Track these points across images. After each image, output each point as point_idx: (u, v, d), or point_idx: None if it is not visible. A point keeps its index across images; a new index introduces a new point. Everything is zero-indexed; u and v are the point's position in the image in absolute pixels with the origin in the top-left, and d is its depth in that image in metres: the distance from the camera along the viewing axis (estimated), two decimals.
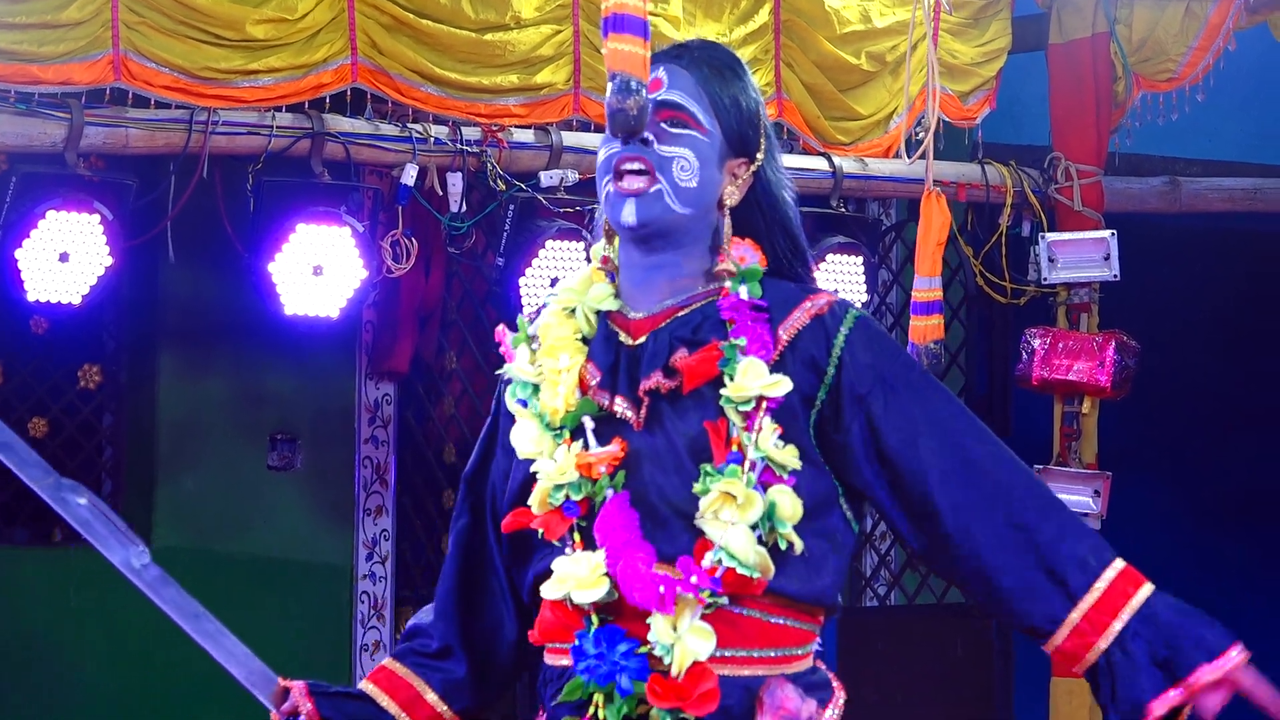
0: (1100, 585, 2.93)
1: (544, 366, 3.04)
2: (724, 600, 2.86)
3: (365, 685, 3.19)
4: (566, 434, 2.99)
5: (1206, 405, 10.08)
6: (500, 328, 3.14)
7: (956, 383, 8.68)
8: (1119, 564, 2.96)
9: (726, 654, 2.89)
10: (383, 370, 8.05)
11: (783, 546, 2.87)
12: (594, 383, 2.99)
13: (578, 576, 2.92)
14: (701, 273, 3.01)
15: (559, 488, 2.96)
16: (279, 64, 6.59)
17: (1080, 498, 7.82)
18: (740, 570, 2.84)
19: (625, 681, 2.88)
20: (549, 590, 2.95)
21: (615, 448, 2.94)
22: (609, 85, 2.96)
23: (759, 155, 3.04)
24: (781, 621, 2.91)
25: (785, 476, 2.88)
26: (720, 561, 2.85)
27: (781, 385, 2.89)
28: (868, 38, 7.60)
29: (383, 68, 6.73)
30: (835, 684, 2.99)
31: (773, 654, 2.91)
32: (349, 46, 6.67)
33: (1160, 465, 9.88)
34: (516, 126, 7.02)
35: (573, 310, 3.07)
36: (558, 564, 2.95)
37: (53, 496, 3.12)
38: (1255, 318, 9.87)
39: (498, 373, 3.14)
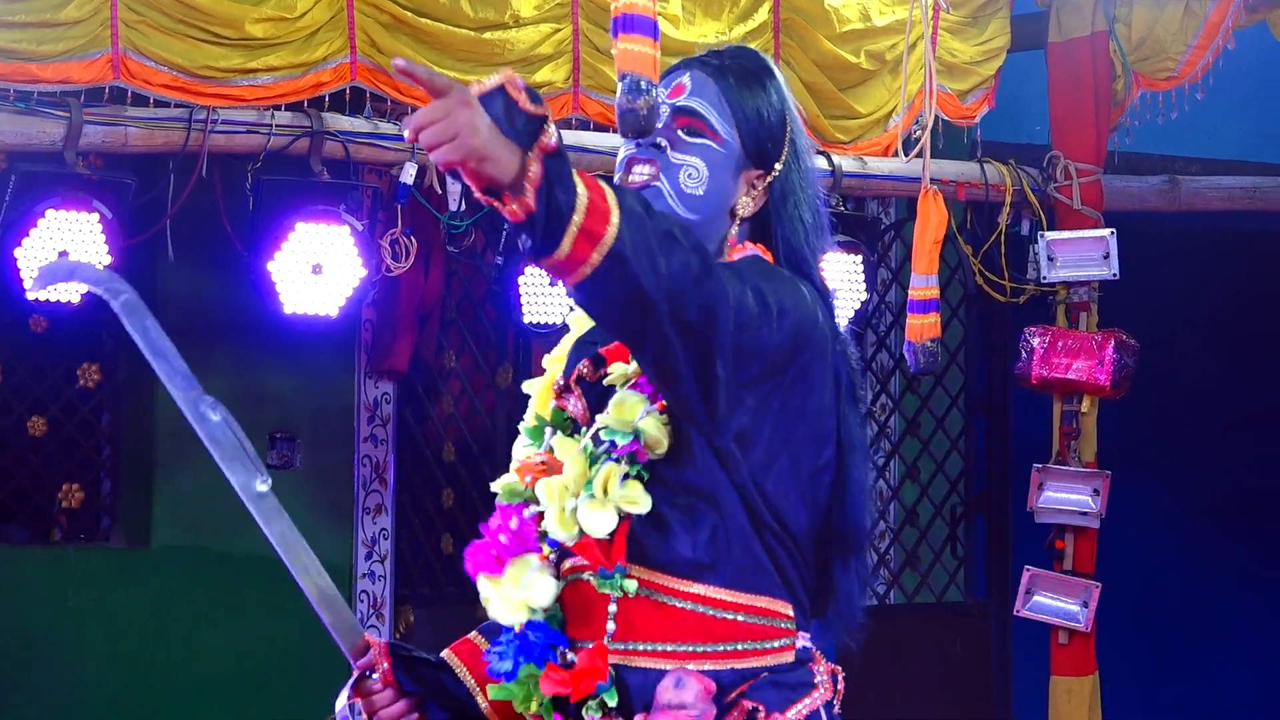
0: None
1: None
2: (592, 576, 2.88)
3: (446, 654, 3.20)
4: (544, 443, 3.05)
5: (1206, 404, 10.08)
6: None
7: (956, 381, 8.68)
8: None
9: (666, 648, 2.88)
10: (382, 369, 8.04)
11: (629, 469, 2.86)
12: (557, 387, 3.03)
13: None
14: None
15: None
16: (278, 62, 6.59)
17: (1080, 496, 7.83)
18: (554, 528, 2.87)
19: (524, 671, 2.93)
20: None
21: (539, 455, 2.99)
22: (619, 85, 2.96)
23: (777, 167, 3.03)
24: (727, 616, 2.88)
25: (621, 444, 2.86)
26: (552, 531, 2.89)
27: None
28: (867, 36, 7.60)
29: (382, 66, 6.72)
30: (821, 686, 2.95)
31: (713, 649, 2.89)
32: (348, 45, 6.67)
33: (1160, 464, 9.88)
34: None
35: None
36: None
37: (190, 409, 3.15)
38: (1255, 316, 9.87)
39: (523, 387, 3.18)
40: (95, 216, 6.47)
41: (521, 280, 7.13)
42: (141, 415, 7.83)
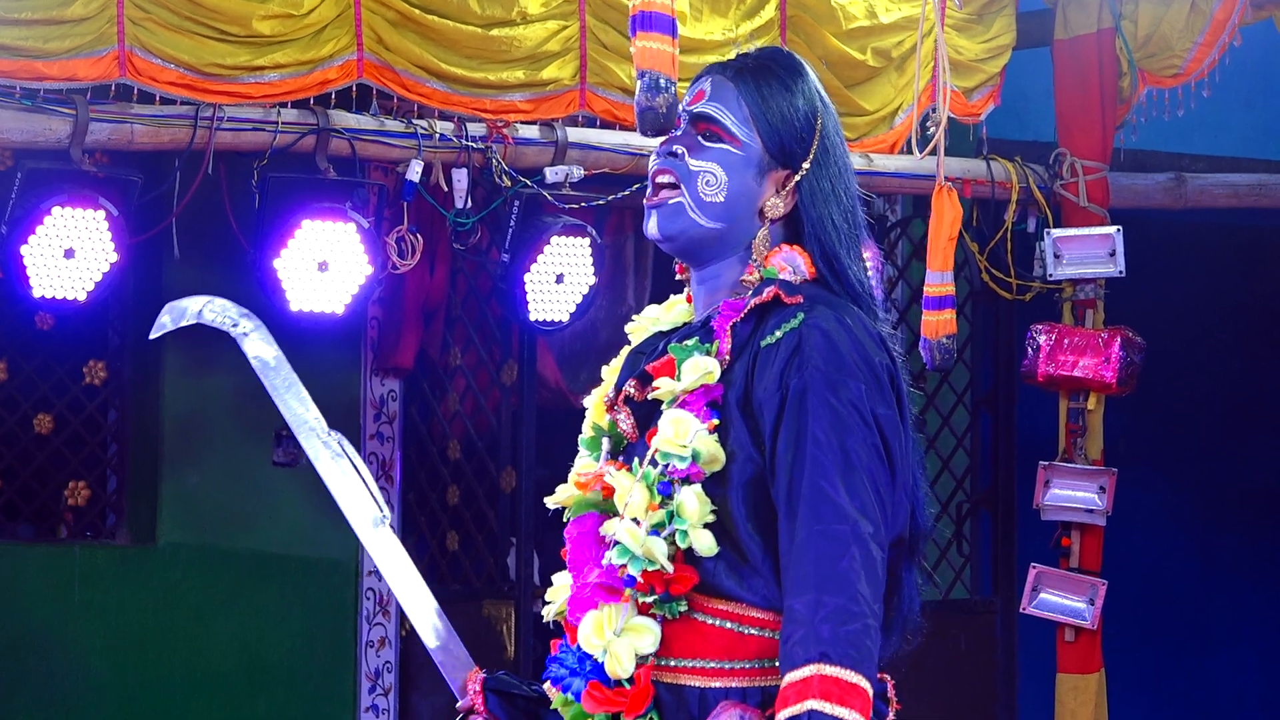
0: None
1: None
2: (648, 598, 2.85)
3: (547, 686, 3.15)
4: (600, 454, 3.04)
5: (1212, 402, 10.08)
6: None
7: (962, 379, 8.67)
8: (803, 671, 2.74)
9: (697, 665, 2.88)
10: (388, 366, 8.04)
11: (682, 545, 2.84)
12: (608, 401, 3.04)
13: (558, 590, 3.02)
14: (735, 283, 3.01)
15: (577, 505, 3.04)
16: (285, 60, 6.59)
17: (1086, 494, 7.82)
18: (631, 567, 2.84)
19: (578, 685, 2.91)
20: (545, 607, 3.06)
21: (601, 466, 2.98)
22: (638, 83, 2.96)
23: (805, 166, 3.01)
24: (755, 633, 2.87)
25: (680, 467, 2.85)
26: (613, 560, 2.86)
27: (688, 380, 2.88)
28: (873, 33, 7.60)
29: (388, 63, 6.73)
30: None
31: (743, 666, 2.87)
32: (355, 42, 6.67)
33: (1165, 462, 9.87)
34: (522, 122, 7.02)
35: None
36: (555, 579, 3.05)
37: (308, 441, 3.32)
38: (1261, 313, 9.87)
39: (584, 401, 3.17)
40: (101, 214, 6.47)
41: (527, 277, 7.13)
42: (148, 413, 7.83)
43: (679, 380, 2.90)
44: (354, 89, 6.77)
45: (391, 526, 3.30)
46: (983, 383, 8.63)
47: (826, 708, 2.69)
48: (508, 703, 3.12)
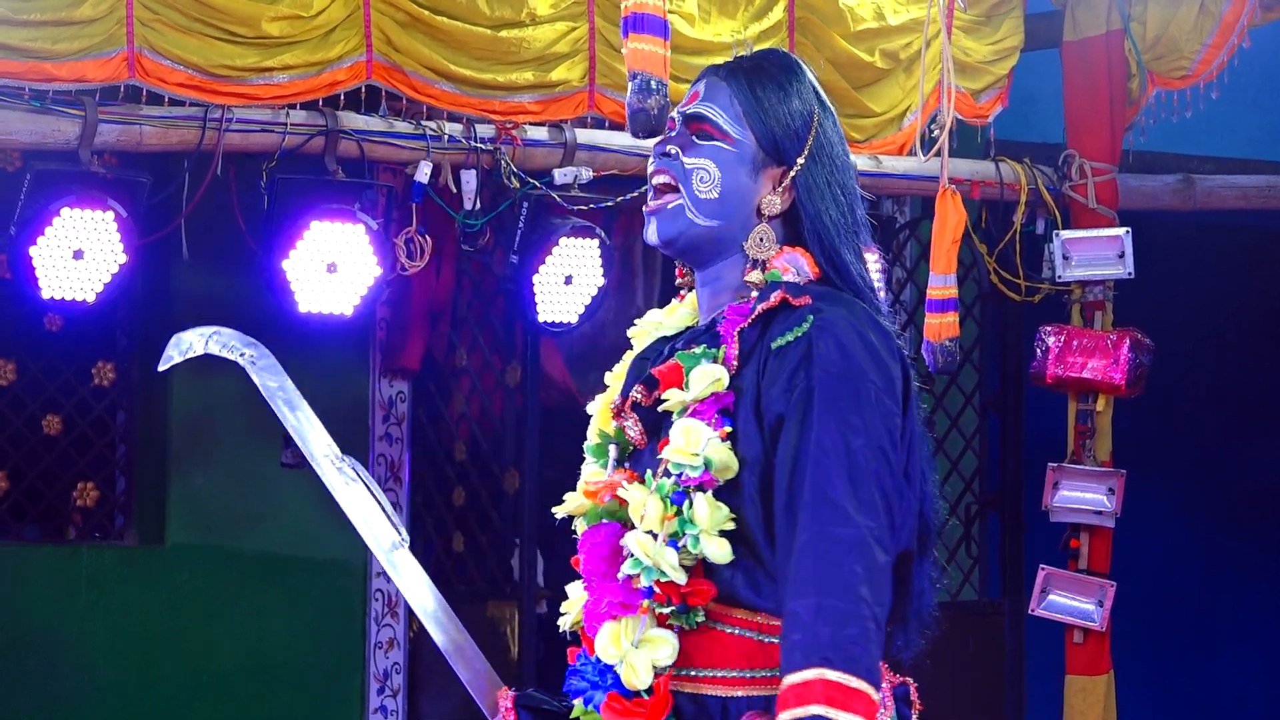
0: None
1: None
2: (664, 609, 2.85)
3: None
4: (608, 461, 3.03)
5: (1221, 403, 10.08)
6: None
7: (970, 381, 8.68)
8: (803, 675, 2.72)
9: (717, 674, 2.88)
10: (395, 368, 8.04)
11: (694, 550, 2.83)
12: (614, 408, 3.03)
13: (573, 601, 3.02)
14: (739, 284, 3.00)
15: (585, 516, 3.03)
16: (294, 61, 6.59)
17: (1095, 495, 7.82)
18: (644, 578, 2.83)
19: (599, 698, 2.91)
20: (562, 617, 3.05)
21: (614, 476, 2.97)
22: (630, 85, 2.96)
23: (799, 162, 3.01)
24: (774, 641, 2.85)
25: (693, 476, 2.84)
26: (627, 571, 2.86)
27: (697, 389, 2.87)
28: (881, 35, 7.60)
29: (398, 65, 6.72)
30: (881, 703, 2.88)
31: (762, 674, 2.87)
32: (364, 43, 6.67)
33: (1175, 463, 9.87)
34: (530, 124, 7.02)
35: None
36: (570, 589, 3.04)
37: (322, 468, 3.28)
38: (1269, 315, 9.86)
39: (587, 408, 3.16)
40: (110, 215, 6.47)
41: (535, 279, 7.13)
42: (156, 414, 7.84)
43: (688, 389, 2.89)
44: (363, 90, 6.77)
45: (408, 545, 3.30)
46: (991, 384, 8.63)
47: (832, 713, 2.67)
48: (539, 718, 3.09)
